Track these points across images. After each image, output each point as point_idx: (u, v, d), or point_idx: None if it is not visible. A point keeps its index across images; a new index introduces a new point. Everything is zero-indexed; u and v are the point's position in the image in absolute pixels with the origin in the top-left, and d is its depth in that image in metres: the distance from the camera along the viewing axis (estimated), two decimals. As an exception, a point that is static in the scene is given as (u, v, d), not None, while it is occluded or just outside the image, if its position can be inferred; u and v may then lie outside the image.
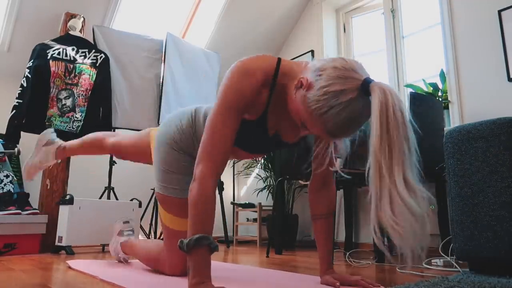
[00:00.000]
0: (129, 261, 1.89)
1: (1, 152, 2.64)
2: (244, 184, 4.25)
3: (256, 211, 3.52)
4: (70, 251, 2.40)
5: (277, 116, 1.18)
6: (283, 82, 1.11)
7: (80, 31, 2.95)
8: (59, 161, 1.89)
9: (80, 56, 2.85)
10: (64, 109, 2.71)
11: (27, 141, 2.73)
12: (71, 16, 2.93)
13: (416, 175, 0.81)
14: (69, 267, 1.75)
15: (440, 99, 2.66)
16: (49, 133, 1.92)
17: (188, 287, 0.97)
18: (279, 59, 1.13)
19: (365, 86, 0.89)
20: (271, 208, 3.41)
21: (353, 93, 0.90)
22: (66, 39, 2.85)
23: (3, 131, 2.58)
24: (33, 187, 2.82)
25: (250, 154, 1.37)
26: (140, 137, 1.62)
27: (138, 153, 1.62)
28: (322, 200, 1.34)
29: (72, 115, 2.73)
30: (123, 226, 1.95)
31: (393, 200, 0.78)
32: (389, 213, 0.78)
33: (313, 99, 0.93)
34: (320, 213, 1.33)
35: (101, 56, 2.93)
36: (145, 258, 1.63)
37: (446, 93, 2.69)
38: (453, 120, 2.61)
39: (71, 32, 2.87)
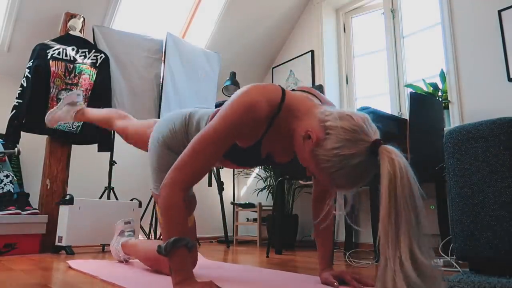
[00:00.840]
0: (129, 261, 1.89)
1: (1, 152, 2.64)
2: (244, 184, 4.25)
3: (256, 211, 3.52)
4: (70, 251, 2.40)
5: (272, 143, 1.19)
6: (285, 117, 1.11)
7: (80, 31, 2.95)
8: (76, 122, 2.09)
9: (80, 56, 2.85)
10: (64, 109, 2.71)
11: (27, 141, 2.73)
12: (71, 16, 2.93)
13: (426, 248, 0.79)
14: (70, 267, 1.75)
15: (440, 99, 2.66)
16: (75, 95, 2.06)
17: (173, 286, 0.99)
18: (284, 93, 1.12)
19: (374, 149, 0.92)
20: (271, 208, 3.41)
21: (362, 156, 0.93)
22: (66, 39, 2.84)
23: (3, 131, 2.58)
24: (33, 187, 2.82)
25: (238, 166, 1.38)
26: (144, 127, 1.65)
27: (140, 141, 1.66)
28: (320, 207, 1.37)
29: (72, 115, 2.73)
30: (125, 227, 1.96)
31: (396, 274, 0.76)
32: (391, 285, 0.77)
33: (323, 158, 0.97)
34: (319, 217, 1.37)
35: (101, 56, 2.93)
36: (145, 258, 1.63)
37: (446, 93, 2.69)
38: (453, 120, 2.61)
39: (71, 32, 2.87)
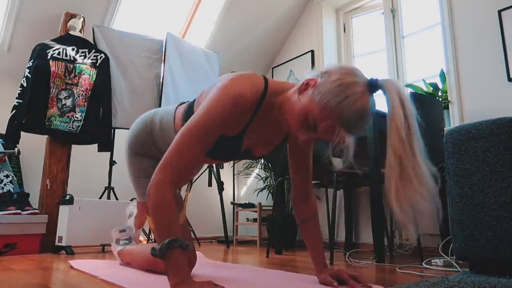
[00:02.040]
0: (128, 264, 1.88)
1: (1, 152, 2.64)
2: (244, 184, 4.25)
3: (256, 211, 3.52)
4: (70, 251, 2.40)
5: (255, 133, 1.19)
6: (270, 101, 1.12)
7: (80, 31, 2.95)
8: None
9: (80, 56, 2.85)
10: (64, 109, 2.71)
11: (27, 141, 2.73)
12: (71, 16, 2.93)
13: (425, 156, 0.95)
14: (71, 267, 1.75)
15: (440, 99, 2.66)
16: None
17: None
18: (266, 80, 1.13)
19: (373, 83, 0.98)
20: (271, 208, 3.41)
21: (363, 87, 0.97)
22: (66, 39, 2.84)
23: (3, 131, 2.58)
24: (33, 187, 2.82)
25: (213, 160, 1.38)
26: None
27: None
28: (305, 208, 1.38)
29: (72, 115, 2.73)
30: (119, 235, 1.93)
31: (420, 177, 0.92)
32: (417, 187, 0.91)
33: (327, 91, 0.97)
34: (304, 218, 1.38)
35: (101, 56, 2.93)
36: (145, 263, 1.62)
37: (446, 93, 2.69)
38: (453, 120, 2.61)
39: (71, 32, 2.87)
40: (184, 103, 1.39)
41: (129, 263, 1.81)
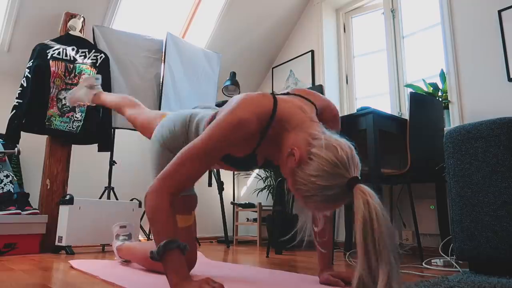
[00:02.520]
0: (125, 261, 1.88)
1: (1, 152, 2.64)
2: (244, 184, 4.25)
3: (256, 211, 3.52)
4: (70, 251, 2.40)
5: (267, 151, 1.21)
6: (276, 128, 1.12)
7: (80, 31, 2.95)
8: (94, 104, 2.16)
9: (80, 56, 2.85)
10: (64, 109, 2.71)
11: (27, 141, 2.73)
12: (71, 16, 2.93)
13: (401, 284, 0.83)
14: (71, 267, 1.75)
15: (440, 99, 2.66)
16: (94, 79, 2.13)
17: None
18: (275, 103, 1.12)
19: (350, 186, 0.93)
20: (271, 208, 3.41)
21: (337, 190, 0.95)
22: (66, 39, 2.84)
23: (3, 131, 2.58)
24: (33, 187, 2.82)
25: (238, 170, 1.41)
26: (150, 119, 1.67)
27: (146, 132, 1.69)
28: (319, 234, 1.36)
29: (72, 115, 2.73)
30: (120, 231, 1.96)
31: None
32: None
33: (300, 180, 0.99)
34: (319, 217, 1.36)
35: (101, 56, 2.93)
36: (145, 260, 1.62)
37: (446, 93, 2.69)
38: (453, 120, 2.61)
39: (71, 32, 2.87)
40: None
41: (127, 259, 1.82)
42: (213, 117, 1.33)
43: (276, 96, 1.16)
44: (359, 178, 0.95)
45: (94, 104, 2.17)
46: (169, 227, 1.03)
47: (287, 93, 1.25)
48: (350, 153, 0.98)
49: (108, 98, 2.06)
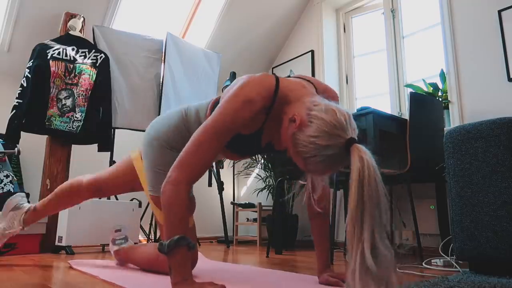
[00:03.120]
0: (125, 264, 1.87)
1: (1, 152, 2.64)
2: (244, 184, 4.25)
3: (256, 211, 3.52)
4: (70, 251, 2.40)
5: (272, 131, 1.24)
6: (280, 105, 1.16)
7: (80, 31, 2.95)
8: (26, 228, 1.77)
9: (80, 56, 2.85)
10: (64, 109, 2.71)
11: (27, 141, 2.73)
12: (71, 16, 2.93)
13: (385, 242, 0.86)
14: (71, 267, 1.75)
15: (440, 99, 2.66)
16: (18, 197, 1.81)
17: (172, 286, 1.00)
18: (277, 82, 1.16)
19: (348, 146, 0.99)
20: (271, 208, 3.41)
21: (335, 150, 1.00)
22: (66, 39, 2.84)
23: (3, 131, 2.58)
24: (33, 187, 2.82)
25: (239, 156, 1.42)
26: (120, 165, 1.61)
27: (122, 183, 1.61)
28: (317, 202, 1.35)
29: (72, 115, 2.73)
30: (115, 235, 1.93)
31: (360, 262, 0.82)
32: (357, 274, 0.82)
33: (301, 143, 1.03)
34: (316, 212, 1.36)
35: (101, 56, 2.93)
36: (146, 262, 1.61)
37: (446, 93, 2.69)
38: (453, 120, 2.61)
39: (71, 32, 2.87)
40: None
41: (126, 262, 1.80)
42: (216, 101, 1.37)
43: (277, 75, 1.21)
44: (356, 139, 1.01)
45: (26, 228, 1.79)
46: (183, 223, 1.04)
47: (288, 76, 1.29)
48: (348, 117, 1.04)
49: (46, 199, 1.76)
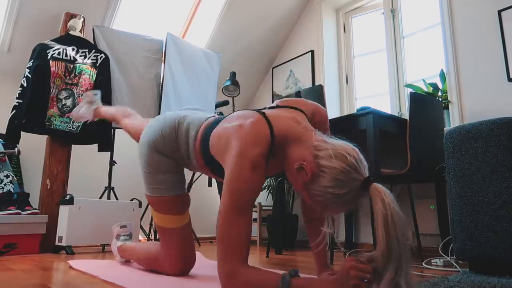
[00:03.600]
0: (127, 261, 1.89)
1: (1, 152, 2.64)
2: (244, 184, 4.24)
3: (256, 211, 3.52)
4: (70, 251, 2.40)
5: (274, 168, 1.24)
6: (278, 146, 1.13)
7: (80, 31, 2.95)
8: (96, 119, 2.22)
9: (80, 56, 2.85)
10: (64, 109, 2.71)
11: (27, 141, 2.73)
12: (71, 16, 2.93)
13: (409, 277, 0.89)
14: (71, 267, 1.75)
15: (440, 99, 2.66)
16: (93, 94, 2.23)
17: None
18: (270, 125, 1.12)
19: (364, 186, 0.99)
20: (271, 208, 3.41)
21: (354, 192, 0.99)
22: (66, 39, 2.84)
23: (3, 131, 2.58)
24: (33, 187, 2.82)
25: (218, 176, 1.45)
26: (140, 127, 1.69)
27: (137, 137, 1.69)
28: (316, 230, 1.37)
29: (72, 115, 2.73)
30: (120, 231, 1.97)
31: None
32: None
33: (316, 193, 1.01)
34: (311, 217, 1.37)
35: (101, 56, 2.93)
36: (145, 260, 1.63)
37: (446, 93, 2.69)
38: (453, 120, 2.61)
39: (71, 32, 2.87)
40: (211, 117, 1.42)
41: (128, 259, 1.82)
42: (208, 125, 1.34)
43: (266, 114, 1.16)
44: (371, 177, 1.01)
45: (96, 119, 2.23)
46: (267, 280, 1.01)
47: (276, 106, 1.26)
48: (357, 156, 1.02)
49: (105, 110, 2.17)
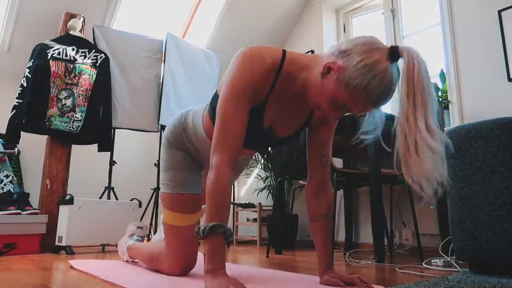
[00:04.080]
0: (133, 261, 1.88)
1: (1, 152, 2.64)
2: (244, 184, 4.25)
3: (256, 211, 3.52)
4: (70, 251, 2.40)
5: (276, 106, 1.19)
6: (290, 70, 1.12)
7: (80, 31, 2.95)
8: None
9: (80, 56, 2.85)
10: (64, 109, 2.71)
11: (27, 141, 2.73)
12: (71, 16, 2.93)
13: (436, 122, 0.94)
14: (71, 267, 1.75)
15: (440, 99, 2.66)
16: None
17: (204, 272, 1.02)
18: (284, 50, 1.15)
19: (394, 52, 0.99)
20: (271, 208, 3.41)
21: (386, 61, 0.98)
22: (66, 39, 2.84)
23: (3, 131, 2.58)
24: (33, 187, 2.82)
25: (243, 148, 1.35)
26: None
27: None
28: (320, 202, 1.34)
29: (72, 115, 2.73)
30: (136, 231, 1.96)
31: (418, 143, 0.91)
32: (414, 155, 0.91)
33: (352, 75, 0.98)
34: (319, 215, 1.34)
35: (101, 56, 2.93)
36: (147, 259, 1.63)
37: (446, 93, 2.69)
38: (453, 120, 2.60)
39: (71, 32, 2.87)
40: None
41: (134, 258, 1.82)
42: (211, 102, 1.32)
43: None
44: (397, 45, 1.00)
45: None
46: (222, 209, 1.04)
47: None
48: (372, 36, 1.05)
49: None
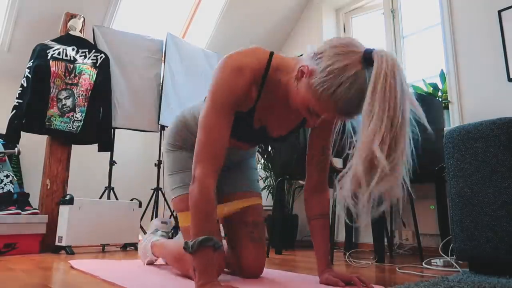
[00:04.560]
0: (155, 263, 1.79)
1: (1, 152, 2.64)
2: (244, 184, 4.24)
3: (256, 211, 3.51)
4: (70, 251, 2.40)
5: (266, 110, 1.19)
6: (276, 77, 1.11)
7: (80, 31, 2.95)
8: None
9: (80, 56, 2.85)
10: (64, 109, 2.71)
11: (27, 141, 2.73)
12: (71, 16, 2.93)
13: (404, 145, 0.88)
14: (71, 267, 1.75)
15: (440, 99, 2.66)
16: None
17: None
18: (271, 54, 1.13)
19: (367, 56, 0.90)
20: (271, 208, 3.41)
21: (357, 66, 0.90)
22: (66, 39, 2.84)
23: (3, 131, 2.58)
24: (33, 187, 2.82)
25: (236, 141, 1.32)
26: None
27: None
28: (318, 201, 1.35)
29: (72, 115, 2.73)
30: (160, 226, 1.88)
31: (372, 172, 0.84)
32: (361, 173, 0.84)
33: (319, 81, 0.93)
34: (317, 214, 1.34)
35: (101, 56, 2.93)
36: (173, 258, 1.55)
37: (446, 93, 2.69)
38: (453, 120, 2.60)
39: (71, 32, 2.87)
40: None
41: (158, 256, 1.73)
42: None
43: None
44: (373, 48, 0.91)
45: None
46: (209, 221, 1.02)
47: None
48: (353, 38, 0.97)
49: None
